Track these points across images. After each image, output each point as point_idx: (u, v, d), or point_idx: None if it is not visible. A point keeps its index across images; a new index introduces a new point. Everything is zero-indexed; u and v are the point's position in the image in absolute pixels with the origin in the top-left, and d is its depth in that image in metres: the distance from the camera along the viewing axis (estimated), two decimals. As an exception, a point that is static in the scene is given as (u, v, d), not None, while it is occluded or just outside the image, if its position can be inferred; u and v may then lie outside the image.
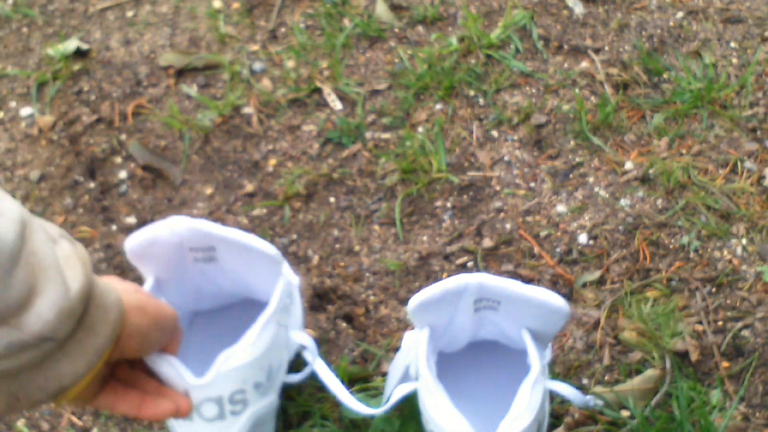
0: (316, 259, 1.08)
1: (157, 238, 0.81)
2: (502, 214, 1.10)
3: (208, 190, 1.14)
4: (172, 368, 0.76)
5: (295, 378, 0.91)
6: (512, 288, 0.81)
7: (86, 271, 0.61)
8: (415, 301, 0.81)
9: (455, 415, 0.80)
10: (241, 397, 0.81)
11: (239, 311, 0.94)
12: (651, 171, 1.12)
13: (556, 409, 0.95)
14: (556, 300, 0.81)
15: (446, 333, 0.87)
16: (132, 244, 0.81)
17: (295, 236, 1.10)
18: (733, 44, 1.24)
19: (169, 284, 0.85)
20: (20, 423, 0.98)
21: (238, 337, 0.84)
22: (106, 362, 0.67)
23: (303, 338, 0.89)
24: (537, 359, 0.82)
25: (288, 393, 0.96)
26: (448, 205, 1.11)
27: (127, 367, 0.74)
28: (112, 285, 0.65)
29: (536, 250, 1.07)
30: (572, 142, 1.16)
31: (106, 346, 0.63)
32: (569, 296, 1.04)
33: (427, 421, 0.83)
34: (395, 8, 1.30)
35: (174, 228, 0.80)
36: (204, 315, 0.94)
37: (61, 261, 0.59)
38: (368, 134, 1.18)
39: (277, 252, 0.83)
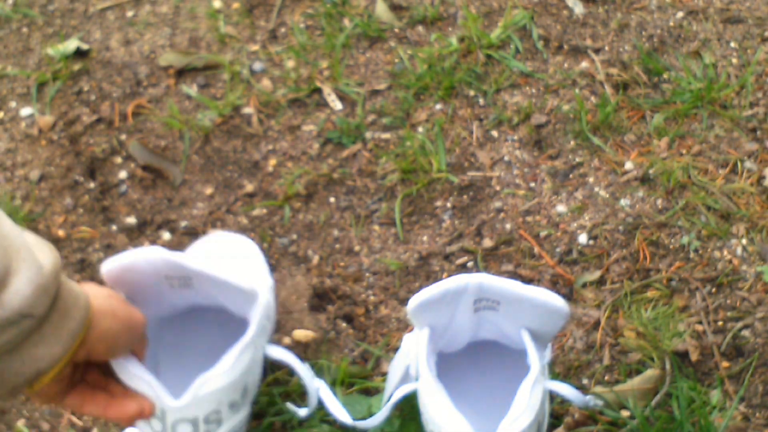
0: (316, 259, 1.08)
1: (134, 266, 0.82)
2: (502, 214, 1.10)
3: (208, 190, 1.14)
4: (150, 389, 0.78)
5: (302, 413, 0.92)
6: (512, 288, 0.81)
7: (55, 253, 0.64)
8: (414, 301, 0.81)
9: (455, 415, 0.80)
10: (216, 417, 0.82)
11: (209, 318, 0.94)
12: (651, 171, 1.12)
13: (556, 409, 0.95)
14: (555, 300, 0.81)
15: (446, 333, 0.87)
16: (108, 268, 0.82)
17: (295, 236, 1.10)
18: (733, 44, 1.24)
19: (144, 303, 0.86)
20: (20, 423, 0.98)
21: (209, 346, 0.86)
22: (75, 363, 0.70)
23: (281, 354, 0.89)
24: (536, 359, 0.82)
25: (288, 395, 0.96)
26: (448, 205, 1.11)
27: (98, 372, 0.77)
28: (79, 285, 0.68)
29: (536, 250, 1.07)
30: (572, 142, 1.16)
31: (78, 331, 0.66)
32: (569, 296, 1.04)
33: (427, 422, 0.83)
34: (395, 8, 1.30)
35: (149, 258, 0.81)
36: (169, 320, 0.94)
37: (30, 244, 0.62)
38: (368, 134, 1.18)
39: (252, 287, 0.84)
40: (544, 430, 0.85)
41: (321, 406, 0.95)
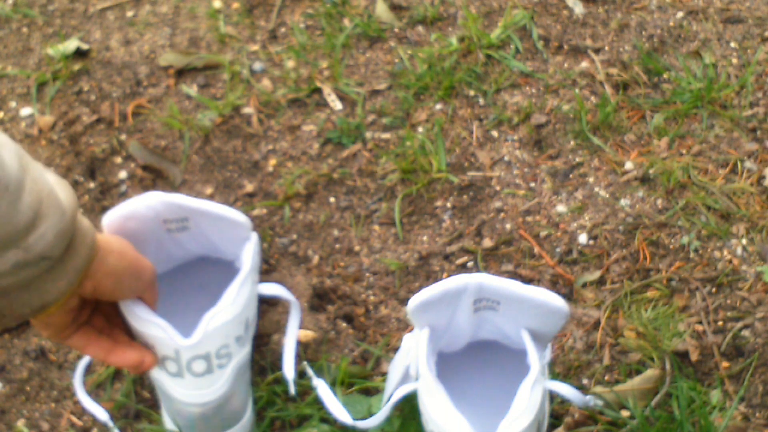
0: (316, 259, 1.08)
1: (135, 213, 0.86)
2: (502, 214, 1.10)
3: (208, 190, 1.14)
4: (162, 330, 0.82)
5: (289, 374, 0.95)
6: (512, 288, 0.81)
7: (73, 195, 0.67)
8: (414, 301, 0.81)
9: (455, 415, 0.80)
10: (226, 351, 0.86)
11: (197, 270, 0.98)
12: (651, 171, 1.12)
13: (556, 409, 0.95)
14: (555, 300, 0.81)
15: (446, 333, 0.87)
16: (109, 219, 0.86)
17: (295, 236, 1.10)
18: (733, 44, 1.24)
19: (144, 253, 0.90)
20: (20, 423, 0.98)
21: (201, 295, 0.93)
22: (82, 298, 0.73)
23: (272, 289, 0.95)
24: (537, 359, 0.82)
25: (289, 397, 0.96)
26: (448, 205, 1.11)
27: (104, 319, 0.80)
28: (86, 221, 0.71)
29: (536, 250, 1.07)
30: (572, 142, 1.16)
31: (83, 266, 0.69)
32: (569, 296, 1.04)
33: (427, 421, 0.83)
34: (395, 8, 1.30)
35: (149, 202, 0.86)
36: (162, 276, 0.98)
37: (54, 186, 0.65)
38: (368, 134, 1.18)
39: (247, 218, 0.89)
40: (544, 430, 0.85)
41: (321, 405, 0.95)
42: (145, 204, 0.86)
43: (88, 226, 0.70)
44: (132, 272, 0.77)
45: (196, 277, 0.98)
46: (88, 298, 0.75)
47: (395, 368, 0.90)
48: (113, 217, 0.86)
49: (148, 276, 0.79)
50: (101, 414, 0.95)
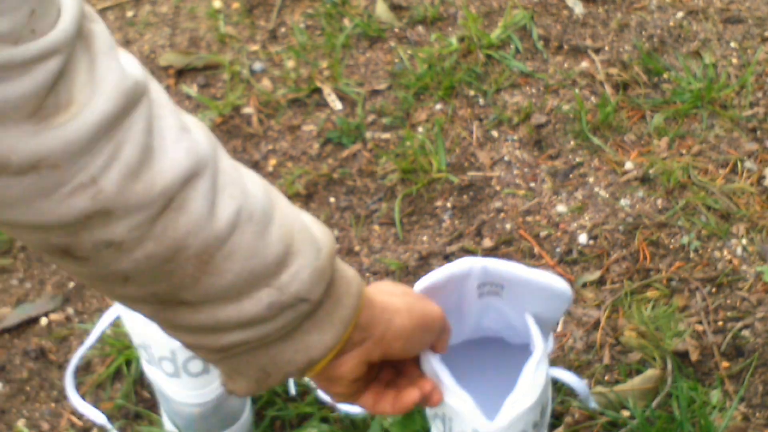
0: (316, 259, 1.08)
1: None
2: (502, 214, 1.10)
3: (208, 190, 1.14)
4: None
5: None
6: (515, 272, 0.81)
7: (330, 235, 0.62)
8: (420, 285, 0.81)
9: (459, 392, 0.80)
10: None
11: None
12: (651, 171, 1.12)
13: (557, 409, 0.95)
14: (559, 283, 0.81)
15: (450, 321, 0.87)
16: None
17: (295, 236, 1.10)
18: (733, 44, 1.24)
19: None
20: (20, 423, 0.98)
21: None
22: (370, 363, 0.67)
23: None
24: (540, 341, 0.82)
25: (289, 397, 0.96)
26: (448, 205, 1.11)
27: (393, 371, 0.74)
28: (352, 269, 0.66)
29: (536, 250, 1.07)
30: (572, 142, 1.16)
31: (350, 318, 0.63)
32: (569, 296, 1.04)
33: None
34: (395, 8, 1.30)
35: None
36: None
37: (308, 222, 0.61)
38: (368, 134, 1.18)
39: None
40: (548, 416, 0.85)
41: (321, 405, 0.95)
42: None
43: (354, 275, 0.64)
44: (422, 328, 0.70)
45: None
46: (377, 361, 0.68)
47: None
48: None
49: (438, 325, 0.72)
50: (97, 416, 0.95)
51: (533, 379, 0.80)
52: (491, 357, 0.94)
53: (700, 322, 1.01)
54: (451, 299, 0.84)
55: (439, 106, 1.20)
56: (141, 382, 0.99)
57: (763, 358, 0.98)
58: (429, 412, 0.85)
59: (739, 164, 1.12)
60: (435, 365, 0.81)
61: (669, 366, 0.98)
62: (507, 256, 1.07)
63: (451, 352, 0.91)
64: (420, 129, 1.18)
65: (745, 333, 1.00)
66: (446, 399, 0.80)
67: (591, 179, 1.13)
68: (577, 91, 1.20)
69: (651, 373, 0.96)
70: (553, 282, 0.81)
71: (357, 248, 1.09)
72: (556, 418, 0.95)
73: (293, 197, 1.12)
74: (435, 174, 1.13)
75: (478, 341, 0.93)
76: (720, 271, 1.05)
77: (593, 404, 0.94)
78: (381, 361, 0.69)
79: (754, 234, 1.07)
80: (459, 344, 0.92)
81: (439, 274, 0.80)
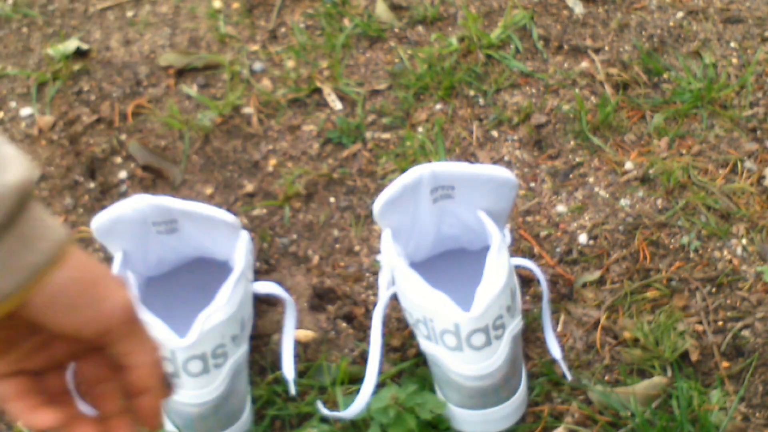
0: (316, 259, 1.08)
1: (122, 216, 0.86)
2: (502, 214, 1.10)
3: (208, 190, 1.14)
4: (157, 331, 0.82)
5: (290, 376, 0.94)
6: (462, 169, 0.87)
7: (29, 172, 0.51)
8: (378, 203, 0.87)
9: (433, 292, 0.85)
10: (222, 350, 0.87)
11: (192, 271, 0.98)
12: (651, 171, 1.12)
13: (557, 408, 0.95)
14: (503, 173, 0.88)
15: (412, 234, 0.92)
16: (98, 223, 0.86)
17: (295, 236, 1.10)
18: (733, 44, 1.24)
19: (134, 257, 0.91)
20: (20, 423, 0.98)
21: (196, 296, 0.93)
22: (20, 323, 0.54)
23: (267, 287, 0.96)
24: (497, 231, 0.88)
25: (288, 395, 0.96)
26: (448, 205, 1.11)
27: (62, 379, 0.59)
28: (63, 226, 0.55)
29: (536, 250, 1.07)
30: (572, 142, 1.16)
31: (42, 266, 0.52)
32: (569, 296, 1.04)
33: (410, 311, 0.89)
34: (395, 8, 1.30)
35: (136, 205, 0.86)
36: (157, 279, 0.99)
37: (3, 155, 0.50)
38: (368, 134, 1.18)
39: (235, 218, 0.89)
40: (518, 302, 0.91)
41: (324, 420, 0.95)
42: (132, 207, 0.86)
43: (59, 228, 0.53)
44: (93, 295, 0.54)
45: (191, 279, 0.98)
46: (25, 321, 0.54)
47: (383, 281, 0.96)
48: (101, 220, 0.86)
49: (112, 309, 0.55)
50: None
51: (497, 266, 0.87)
52: (455, 267, 1.00)
53: (700, 322, 1.01)
54: (409, 212, 0.90)
55: (439, 106, 1.20)
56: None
57: (763, 358, 0.98)
58: (410, 318, 0.90)
59: (739, 164, 1.12)
60: (408, 273, 0.87)
61: (669, 366, 0.98)
62: (507, 256, 1.07)
63: (416, 269, 0.96)
64: (420, 129, 1.18)
65: (745, 333, 1.00)
66: (424, 302, 0.86)
67: (591, 179, 1.13)
68: (577, 91, 1.20)
69: (658, 380, 0.96)
70: (498, 172, 0.88)
71: (357, 248, 1.09)
72: (556, 418, 0.95)
73: (293, 197, 1.12)
74: (435, 174, 1.13)
75: (441, 256, 0.99)
76: (720, 271, 1.05)
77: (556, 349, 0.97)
78: (64, 354, 0.57)
79: (754, 234, 1.07)
80: (423, 261, 0.99)
81: (393, 187, 0.87)
